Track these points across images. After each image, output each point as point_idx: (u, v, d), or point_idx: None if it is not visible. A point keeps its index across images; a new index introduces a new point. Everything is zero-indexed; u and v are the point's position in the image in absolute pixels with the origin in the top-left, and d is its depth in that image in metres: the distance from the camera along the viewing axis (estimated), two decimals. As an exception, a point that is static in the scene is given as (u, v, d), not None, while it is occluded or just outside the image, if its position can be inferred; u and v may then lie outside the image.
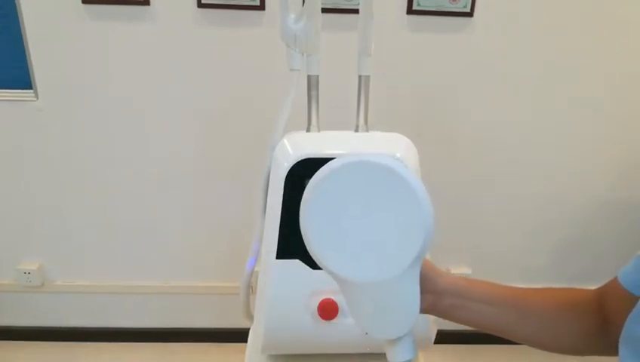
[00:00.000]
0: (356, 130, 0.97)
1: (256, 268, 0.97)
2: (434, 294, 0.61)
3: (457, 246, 1.82)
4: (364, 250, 0.53)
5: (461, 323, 0.64)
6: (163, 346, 1.88)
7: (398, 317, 0.58)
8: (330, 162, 0.55)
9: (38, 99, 1.56)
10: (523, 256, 1.83)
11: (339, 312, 0.83)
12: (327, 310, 0.82)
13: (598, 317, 0.62)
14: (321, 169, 0.55)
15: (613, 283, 0.62)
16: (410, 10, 1.48)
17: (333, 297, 0.83)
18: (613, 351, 0.55)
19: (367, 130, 0.96)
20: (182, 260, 1.79)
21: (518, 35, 1.53)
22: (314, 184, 0.55)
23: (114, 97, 1.56)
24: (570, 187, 1.73)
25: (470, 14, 1.49)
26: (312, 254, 0.54)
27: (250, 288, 1.04)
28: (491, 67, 1.56)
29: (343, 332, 0.84)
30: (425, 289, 0.58)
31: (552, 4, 1.50)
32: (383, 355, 0.92)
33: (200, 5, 1.45)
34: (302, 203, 0.54)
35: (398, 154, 0.85)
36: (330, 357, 0.90)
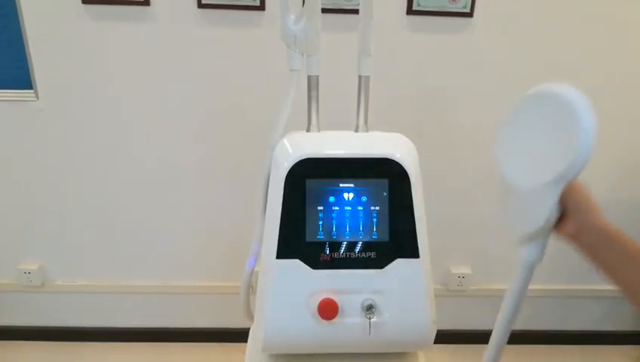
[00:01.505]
0: (356, 130, 0.97)
1: (256, 268, 0.97)
2: (579, 226, 0.66)
3: (457, 246, 1.82)
4: (528, 162, 0.67)
5: (593, 264, 0.68)
6: (163, 346, 1.88)
7: (531, 220, 0.68)
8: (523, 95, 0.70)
9: (38, 99, 1.56)
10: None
11: (339, 312, 0.83)
12: (327, 310, 0.82)
13: None
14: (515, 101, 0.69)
15: None
16: (410, 11, 1.48)
17: (333, 297, 0.83)
18: None
19: (367, 130, 0.96)
20: (182, 260, 1.79)
21: (517, 35, 1.53)
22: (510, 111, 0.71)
23: (114, 97, 1.56)
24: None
25: (470, 14, 1.49)
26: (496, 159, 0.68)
27: (251, 288, 1.04)
28: (491, 67, 1.56)
29: (343, 332, 0.84)
30: (572, 217, 0.66)
31: (551, 4, 1.50)
32: (382, 355, 0.92)
33: (200, 5, 1.45)
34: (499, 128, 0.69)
35: (397, 154, 0.85)
36: (330, 357, 0.90)
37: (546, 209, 0.66)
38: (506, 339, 0.76)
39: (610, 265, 0.67)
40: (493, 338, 0.77)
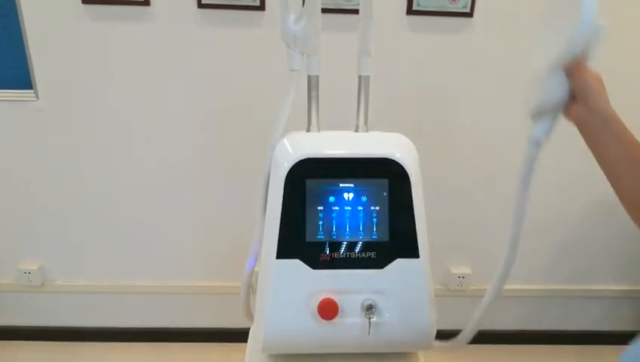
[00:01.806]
0: (356, 130, 0.97)
1: (256, 268, 0.97)
2: (586, 109, 0.71)
3: (457, 246, 1.82)
4: (545, 47, 0.73)
5: (594, 153, 0.74)
6: (163, 346, 1.88)
7: (540, 96, 0.74)
8: None
9: (38, 99, 1.56)
10: (523, 256, 1.81)
11: (339, 312, 0.83)
12: (327, 310, 0.82)
13: None
14: None
15: None
16: (410, 11, 1.48)
17: (333, 297, 0.83)
18: None
19: (367, 130, 0.96)
20: (182, 260, 1.79)
21: (517, 35, 1.53)
22: None
23: (114, 97, 1.56)
24: (570, 187, 1.73)
25: (470, 14, 1.49)
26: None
27: (251, 288, 1.04)
28: (491, 67, 1.56)
29: (343, 332, 0.84)
30: (581, 99, 0.71)
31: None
32: (382, 355, 0.92)
33: (200, 5, 1.45)
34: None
35: (397, 154, 0.85)
36: (330, 357, 0.90)
37: (553, 84, 0.71)
38: (521, 232, 0.85)
39: (607, 154, 0.72)
40: (512, 229, 0.86)
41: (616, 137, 0.72)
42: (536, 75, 0.75)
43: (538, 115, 0.76)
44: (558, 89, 0.72)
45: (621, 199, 0.74)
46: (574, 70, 0.70)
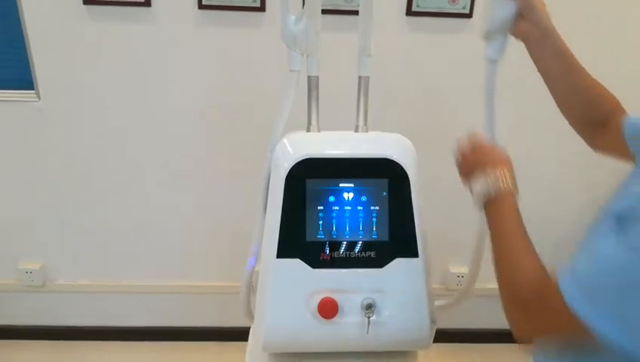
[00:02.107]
0: (356, 130, 0.97)
1: (256, 268, 0.98)
2: (534, 25, 0.84)
3: (457, 246, 1.82)
4: None
5: (533, 58, 0.88)
6: (163, 346, 1.89)
7: (490, 18, 0.85)
8: None
9: (39, 99, 1.56)
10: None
11: (339, 311, 0.83)
12: (328, 309, 0.83)
13: (604, 122, 0.82)
14: None
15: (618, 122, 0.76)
16: (409, 12, 1.48)
17: (333, 296, 0.83)
18: (592, 144, 0.85)
19: (367, 130, 0.97)
20: (182, 260, 1.80)
21: (517, 36, 1.54)
22: None
23: (115, 98, 1.57)
24: (570, 187, 1.73)
25: (469, 15, 1.49)
26: None
27: (251, 287, 1.04)
28: (491, 68, 1.57)
29: (343, 331, 0.85)
30: (527, 18, 0.83)
31: (551, 4, 1.50)
32: (382, 354, 0.92)
33: (201, 6, 1.45)
34: None
35: (397, 155, 0.85)
36: (330, 356, 0.90)
37: (501, 6, 0.83)
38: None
39: (548, 65, 0.86)
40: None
41: (556, 49, 0.84)
42: (486, 0, 0.85)
43: (490, 35, 0.87)
44: (505, 9, 0.83)
45: (559, 106, 0.89)
46: None
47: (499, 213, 0.74)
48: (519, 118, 1.67)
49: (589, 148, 0.88)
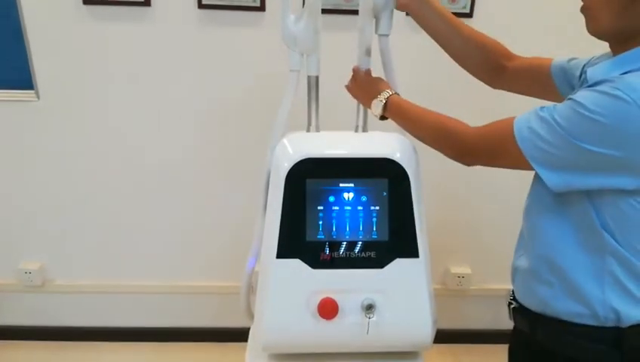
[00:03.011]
0: (356, 130, 0.97)
1: (256, 268, 0.98)
2: (417, 2, 0.95)
3: (457, 246, 1.82)
4: None
5: (420, 25, 0.99)
6: (163, 346, 1.89)
7: None
8: None
9: (39, 99, 1.56)
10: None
11: (339, 312, 0.83)
12: (328, 309, 0.83)
13: (500, 63, 0.98)
14: None
15: (545, 61, 0.96)
16: (409, 11, 1.48)
17: (333, 296, 0.83)
18: (492, 84, 1.04)
19: (367, 130, 0.97)
20: (182, 260, 1.79)
21: (517, 36, 1.53)
22: None
23: (114, 98, 1.56)
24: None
25: (470, 14, 1.49)
26: None
27: (251, 287, 1.04)
28: (491, 67, 1.57)
29: (343, 332, 0.85)
30: None
31: (551, 4, 1.50)
32: (382, 354, 0.92)
33: (200, 6, 1.45)
34: None
35: (397, 154, 0.85)
36: (330, 357, 0.90)
37: None
38: None
39: (431, 27, 0.98)
40: None
41: (436, 12, 0.96)
42: None
43: (378, 14, 0.94)
44: None
45: (457, 61, 1.01)
46: None
47: (399, 110, 0.90)
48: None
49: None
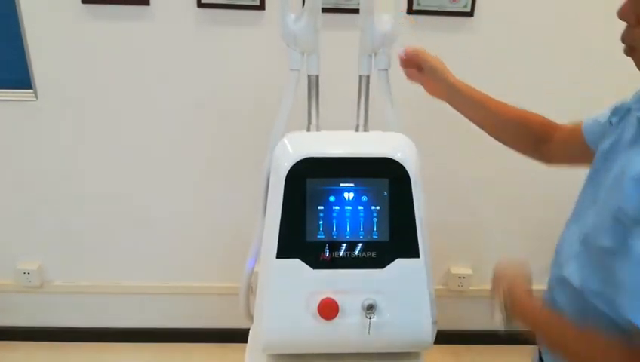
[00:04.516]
0: (356, 130, 0.97)
1: (256, 268, 0.97)
2: (440, 84, 0.98)
3: (457, 246, 1.82)
4: None
5: (455, 109, 1.00)
6: (163, 346, 1.88)
7: None
8: None
9: (37, 99, 1.55)
10: (523, 256, 1.83)
11: (339, 312, 0.83)
12: (328, 310, 0.82)
13: (543, 137, 0.92)
14: None
15: (576, 126, 0.87)
16: (410, 10, 1.47)
17: (333, 297, 0.83)
18: (539, 159, 0.95)
19: (368, 130, 0.96)
20: (182, 260, 1.79)
21: (518, 35, 1.53)
22: None
23: (113, 97, 1.56)
24: (571, 188, 1.72)
25: (470, 14, 1.49)
26: None
27: (250, 288, 1.04)
28: (491, 67, 1.56)
29: (343, 332, 0.84)
30: (432, 78, 0.98)
31: (551, 4, 1.50)
32: (383, 355, 0.92)
33: (200, 5, 1.45)
34: None
35: (398, 154, 0.85)
36: (330, 357, 0.90)
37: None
38: None
39: (472, 115, 0.97)
40: None
41: (468, 99, 0.96)
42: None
43: (377, 49, 0.92)
44: None
45: (502, 141, 0.99)
46: (422, 58, 0.98)
47: (529, 322, 0.80)
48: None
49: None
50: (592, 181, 0.76)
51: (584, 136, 0.84)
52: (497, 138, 0.98)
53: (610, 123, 0.79)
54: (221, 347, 1.88)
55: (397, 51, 0.98)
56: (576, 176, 1.84)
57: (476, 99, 0.96)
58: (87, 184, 1.67)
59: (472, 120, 0.99)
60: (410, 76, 1.04)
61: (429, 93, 1.01)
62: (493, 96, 0.97)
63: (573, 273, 0.72)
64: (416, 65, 1.01)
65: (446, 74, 0.98)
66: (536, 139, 0.93)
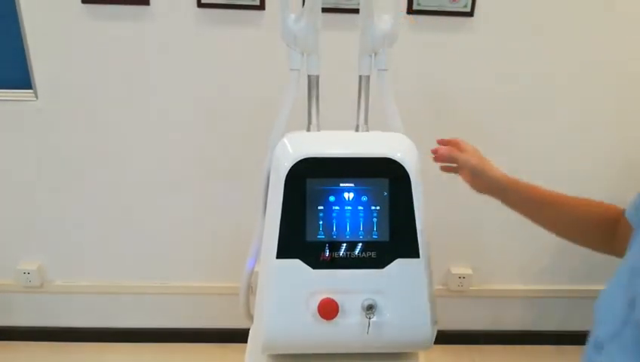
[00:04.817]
0: (356, 130, 0.96)
1: (256, 268, 0.97)
2: (489, 183, 0.89)
3: (457, 246, 1.82)
4: None
5: (509, 207, 0.88)
6: (163, 346, 1.88)
7: None
8: None
9: (37, 99, 1.55)
10: (523, 256, 1.83)
11: (339, 312, 0.83)
12: (328, 310, 0.82)
13: (611, 232, 0.76)
14: None
15: (623, 218, 0.73)
16: (410, 10, 1.47)
17: (333, 297, 0.83)
18: (615, 255, 0.75)
19: (368, 130, 0.96)
20: (182, 260, 1.79)
21: (518, 35, 1.53)
22: None
23: (113, 97, 1.56)
24: (571, 188, 1.72)
25: (470, 14, 1.49)
26: None
27: (250, 288, 1.04)
28: (491, 67, 1.56)
29: (343, 332, 0.84)
30: (480, 178, 0.90)
31: (552, 4, 1.50)
32: (383, 355, 0.92)
33: (200, 5, 1.45)
34: None
35: (398, 154, 0.85)
36: (330, 357, 0.90)
37: None
38: None
39: (526, 212, 0.86)
40: None
41: (520, 196, 0.87)
42: None
43: (377, 49, 0.91)
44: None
45: (568, 239, 0.85)
46: (462, 160, 0.91)
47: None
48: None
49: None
50: None
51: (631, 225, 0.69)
52: (562, 235, 0.84)
53: None
54: (221, 347, 1.88)
55: (397, 50, 0.97)
56: (576, 175, 1.85)
57: (527, 196, 0.85)
58: (87, 184, 1.67)
59: (528, 216, 0.86)
60: (448, 171, 0.97)
61: (476, 190, 0.93)
62: (544, 187, 0.85)
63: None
64: (451, 161, 0.93)
65: (487, 171, 0.89)
66: (606, 229, 0.77)
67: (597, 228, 0.79)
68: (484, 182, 0.89)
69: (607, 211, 0.78)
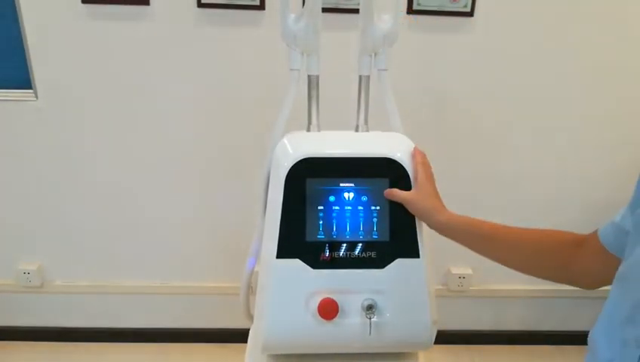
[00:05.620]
0: (356, 130, 0.97)
1: (256, 268, 0.97)
2: (442, 226, 0.84)
3: (457, 246, 1.81)
4: None
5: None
6: (163, 346, 1.88)
7: None
8: None
9: (37, 99, 1.55)
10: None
11: (339, 312, 0.83)
12: (328, 310, 0.82)
13: (569, 256, 0.76)
14: None
15: (594, 236, 0.72)
16: (410, 10, 1.47)
17: (333, 297, 0.83)
18: (573, 283, 0.78)
19: (368, 130, 0.96)
20: (182, 260, 1.79)
21: (518, 35, 1.53)
22: None
23: (113, 97, 1.56)
24: (571, 188, 1.73)
25: (470, 14, 1.49)
26: None
27: (250, 288, 1.04)
28: (491, 66, 1.56)
29: (343, 332, 0.84)
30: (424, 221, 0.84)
31: (552, 4, 1.50)
32: (383, 355, 0.92)
33: (200, 5, 1.45)
34: None
35: (398, 154, 0.85)
36: (330, 357, 0.90)
37: None
38: None
39: (477, 249, 0.87)
40: None
41: (469, 234, 0.87)
42: None
43: (377, 48, 0.91)
44: None
45: (526, 273, 0.84)
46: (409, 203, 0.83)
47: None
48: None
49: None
50: None
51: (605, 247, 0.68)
52: (519, 267, 0.83)
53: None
54: (221, 347, 1.88)
55: (397, 50, 0.97)
56: (575, 175, 1.84)
57: (476, 232, 0.85)
58: (87, 184, 1.66)
59: (481, 253, 0.88)
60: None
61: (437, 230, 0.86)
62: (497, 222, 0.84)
63: None
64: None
65: (435, 213, 0.85)
66: (559, 260, 0.77)
67: (550, 257, 0.79)
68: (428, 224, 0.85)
69: (561, 238, 0.78)
